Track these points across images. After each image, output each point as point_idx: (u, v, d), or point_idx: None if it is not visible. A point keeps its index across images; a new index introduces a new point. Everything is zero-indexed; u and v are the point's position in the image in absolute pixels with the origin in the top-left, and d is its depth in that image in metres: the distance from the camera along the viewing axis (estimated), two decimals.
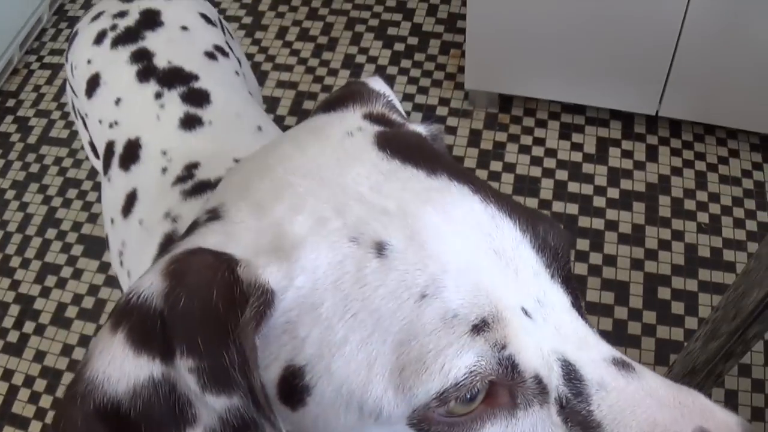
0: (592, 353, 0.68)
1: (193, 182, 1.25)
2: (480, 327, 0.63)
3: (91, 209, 2.63)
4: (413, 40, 3.02)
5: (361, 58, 2.98)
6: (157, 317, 0.63)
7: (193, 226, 0.71)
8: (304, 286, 0.64)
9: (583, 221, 2.45)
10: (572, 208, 2.48)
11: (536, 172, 2.58)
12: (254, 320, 0.62)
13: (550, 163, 2.60)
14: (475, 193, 0.70)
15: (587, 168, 2.58)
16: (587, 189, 2.53)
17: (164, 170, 1.28)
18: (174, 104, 1.36)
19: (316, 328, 0.64)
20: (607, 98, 2.58)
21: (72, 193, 2.69)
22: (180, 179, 1.26)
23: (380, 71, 2.91)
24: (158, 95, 1.37)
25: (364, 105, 0.81)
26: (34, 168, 2.79)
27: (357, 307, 0.64)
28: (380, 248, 0.64)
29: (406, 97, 2.80)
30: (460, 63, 2.87)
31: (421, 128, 0.83)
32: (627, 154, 2.61)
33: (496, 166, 2.59)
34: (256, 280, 0.63)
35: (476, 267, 0.66)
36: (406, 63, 2.94)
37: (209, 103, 1.38)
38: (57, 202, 2.68)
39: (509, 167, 2.59)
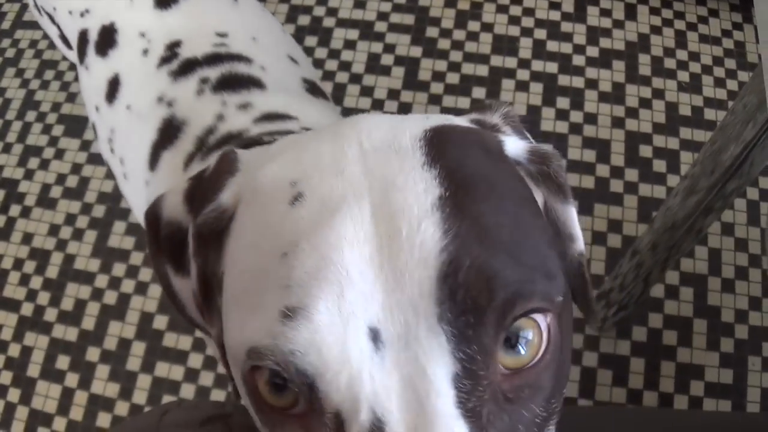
0: None
1: (179, 62, 1.23)
2: (288, 315, 0.55)
3: (70, 89, 2.61)
4: None
5: None
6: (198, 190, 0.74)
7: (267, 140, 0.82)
8: (250, 203, 0.67)
9: (563, 80, 2.44)
10: (551, 67, 2.47)
11: (514, 31, 2.55)
12: (210, 222, 0.70)
13: (528, 22, 2.57)
14: (434, 201, 0.58)
15: (566, 27, 2.55)
16: (566, 48, 2.51)
17: (145, 52, 1.26)
18: None
19: (233, 242, 0.67)
20: None
21: (49, 74, 2.66)
22: (164, 60, 1.24)
23: None
24: None
25: (481, 113, 0.75)
26: (10, 53, 2.75)
27: (255, 239, 0.63)
28: (298, 197, 0.61)
29: None
30: None
31: (514, 140, 0.72)
32: (605, 12, 2.58)
33: (473, 26, 2.57)
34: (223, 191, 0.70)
35: (343, 248, 0.57)
36: None
37: None
38: (35, 84, 2.65)
39: (487, 27, 2.56)
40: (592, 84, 2.43)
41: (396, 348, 0.54)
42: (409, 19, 2.60)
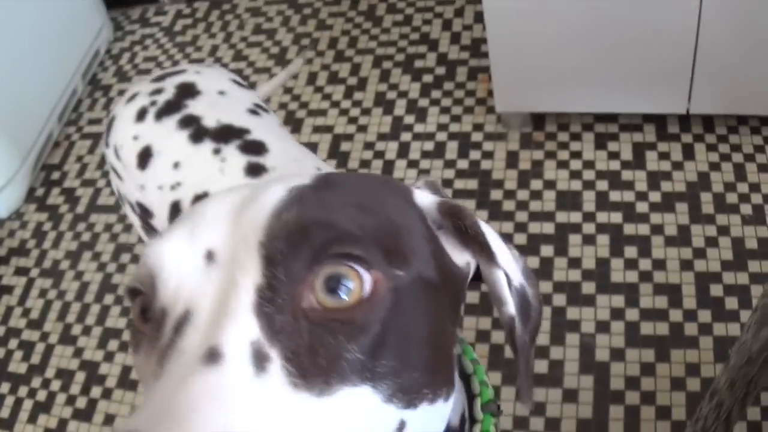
0: (211, 328, 0.60)
1: None
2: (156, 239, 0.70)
3: None
4: (441, 70, 3.07)
5: (391, 95, 3.03)
6: None
7: None
8: None
9: (629, 229, 2.46)
10: (616, 217, 2.49)
11: (577, 185, 2.59)
12: None
13: (589, 174, 2.61)
14: (299, 183, 0.70)
15: (626, 175, 2.59)
16: (629, 196, 2.53)
17: None
18: (234, 155, 1.40)
19: None
20: (637, 103, 2.59)
21: (125, 257, 2.75)
22: None
23: (411, 105, 2.95)
24: (216, 151, 1.41)
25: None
26: (86, 237, 2.85)
27: None
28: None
29: (441, 128, 2.83)
30: (490, 87, 2.88)
31: (427, 194, 0.79)
32: (664, 156, 2.62)
33: (536, 185, 2.61)
34: None
35: (212, 204, 0.71)
36: (436, 93, 2.98)
37: (267, 151, 1.42)
38: (111, 267, 2.73)
39: (549, 184, 2.60)
40: (657, 229, 2.44)
41: (222, 266, 0.64)
42: (472, 184, 2.65)
